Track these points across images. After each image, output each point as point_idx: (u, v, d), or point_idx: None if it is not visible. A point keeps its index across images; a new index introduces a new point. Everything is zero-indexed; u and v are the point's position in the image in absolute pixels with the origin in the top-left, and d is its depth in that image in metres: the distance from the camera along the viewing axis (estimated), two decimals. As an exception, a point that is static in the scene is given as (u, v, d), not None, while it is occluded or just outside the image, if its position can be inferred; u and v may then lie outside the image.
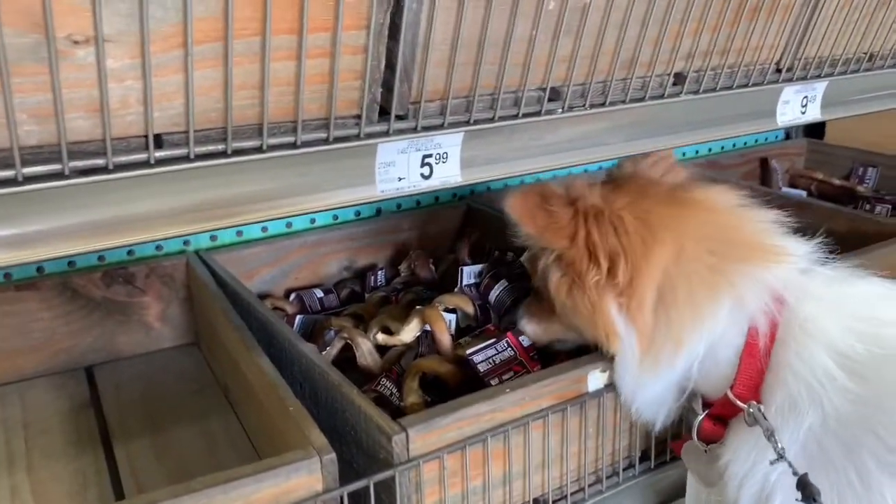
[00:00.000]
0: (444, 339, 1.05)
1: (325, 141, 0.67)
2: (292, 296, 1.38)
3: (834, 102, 1.08)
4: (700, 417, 0.92)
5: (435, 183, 0.76)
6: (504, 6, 0.71)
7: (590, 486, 0.99)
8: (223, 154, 0.62)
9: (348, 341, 1.13)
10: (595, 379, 0.96)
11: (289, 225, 1.48)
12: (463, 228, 1.41)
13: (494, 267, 1.27)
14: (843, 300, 0.87)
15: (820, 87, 1.05)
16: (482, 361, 0.99)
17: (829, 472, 0.80)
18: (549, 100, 0.81)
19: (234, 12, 0.58)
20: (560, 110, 0.81)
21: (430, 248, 1.54)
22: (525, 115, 0.79)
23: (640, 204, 0.91)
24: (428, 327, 1.12)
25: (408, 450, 0.82)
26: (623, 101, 0.85)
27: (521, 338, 1.04)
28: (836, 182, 2.06)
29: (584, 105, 0.82)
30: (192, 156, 0.61)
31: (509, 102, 0.78)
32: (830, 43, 1.02)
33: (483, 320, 1.22)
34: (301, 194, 0.67)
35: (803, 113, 1.05)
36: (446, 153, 0.76)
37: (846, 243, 1.42)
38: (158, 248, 1.38)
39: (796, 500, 0.78)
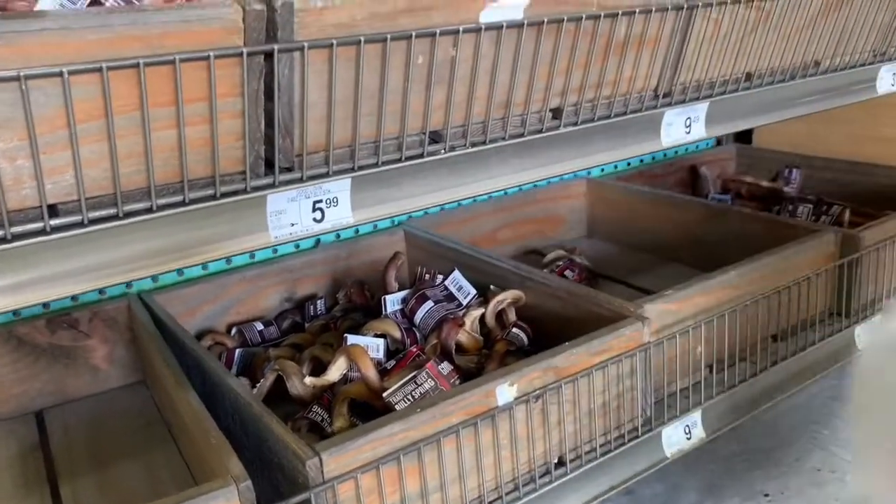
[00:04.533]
0: (370, 375, 1.11)
1: (213, 197, 0.74)
2: (233, 330, 1.44)
3: (718, 120, 1.16)
4: None
5: (327, 226, 0.83)
6: (374, 64, 0.78)
7: (507, 493, 1.06)
8: (115, 217, 0.69)
9: (280, 373, 1.19)
10: (503, 393, 1.03)
11: (228, 261, 1.54)
12: (395, 254, 1.48)
13: (420, 290, 1.34)
14: None
15: (702, 107, 1.13)
16: (400, 401, 1.05)
17: None
18: (432, 142, 0.88)
19: (113, 91, 0.64)
20: (442, 151, 0.88)
21: (370, 274, 1.61)
22: (408, 158, 0.86)
23: None
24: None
25: (322, 472, 0.88)
26: (503, 138, 0.92)
27: (440, 367, 1.10)
28: (764, 184, 2.15)
29: (465, 144, 0.90)
30: (85, 221, 0.67)
31: (392, 148, 0.85)
32: (705, 68, 1.10)
33: (411, 341, 1.29)
34: (196, 246, 0.74)
35: (688, 132, 1.13)
36: (336, 198, 0.83)
37: (763, 244, 1.51)
38: (101, 292, 1.43)
39: None
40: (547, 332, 1.31)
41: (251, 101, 0.72)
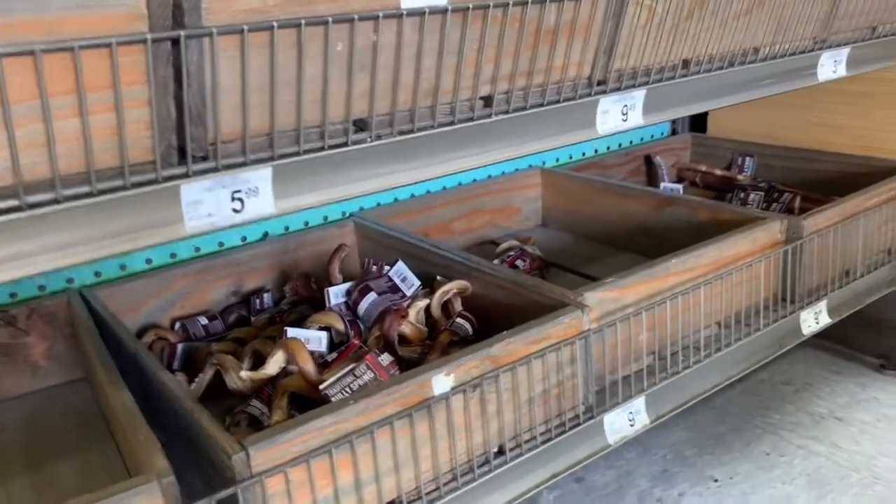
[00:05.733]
0: (308, 368, 1.10)
1: (123, 187, 0.72)
2: (177, 325, 1.42)
3: (655, 108, 1.16)
4: None
5: (248, 216, 0.81)
6: (291, 51, 0.77)
7: (445, 484, 1.05)
8: (18, 209, 0.67)
9: (219, 368, 1.17)
10: (440, 383, 1.02)
11: (173, 255, 1.52)
12: (339, 246, 1.47)
13: (363, 281, 1.32)
14: None
15: (638, 95, 1.13)
16: (337, 393, 1.04)
17: None
18: (358, 130, 0.87)
19: (10, 79, 0.63)
20: (368, 139, 0.87)
21: (319, 266, 1.59)
22: (332, 147, 0.84)
23: None
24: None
25: (250, 467, 0.87)
26: (432, 127, 0.91)
27: (380, 358, 1.09)
28: (718, 172, 2.17)
29: (391, 133, 0.88)
30: (-16, 213, 0.65)
31: (316, 136, 0.84)
32: (640, 55, 1.10)
33: (355, 333, 1.28)
34: (105, 238, 0.72)
35: (625, 120, 1.13)
36: (256, 187, 0.81)
37: (712, 232, 1.52)
38: (41, 287, 1.41)
39: None
40: (492, 321, 1.31)
41: (159, 89, 0.71)
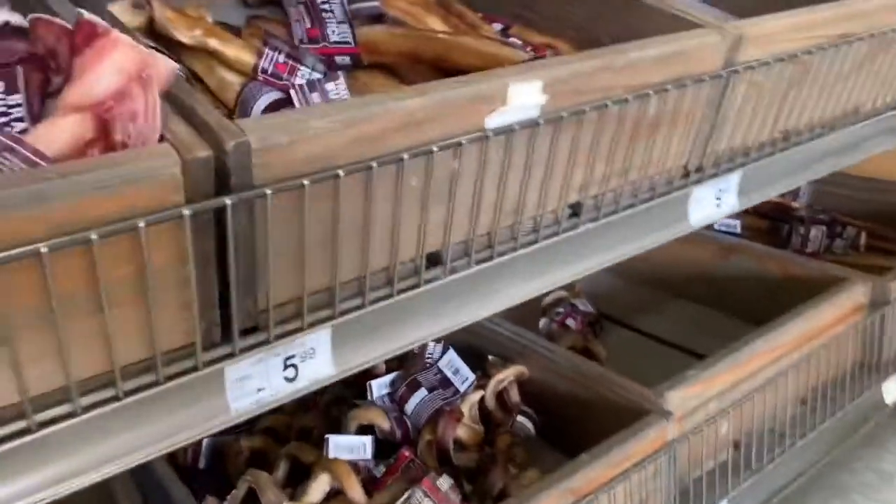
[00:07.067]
0: (357, 498, 0.97)
1: (156, 383, 0.58)
2: (201, 412, 1.28)
3: (751, 189, 1.01)
4: None
5: (302, 384, 0.67)
6: (357, 191, 0.62)
7: None
8: (27, 431, 0.53)
9: (253, 486, 1.04)
10: (515, 527, 0.89)
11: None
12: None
13: (411, 374, 1.18)
14: None
15: (734, 178, 0.98)
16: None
17: None
18: (429, 264, 0.72)
19: (14, 280, 0.48)
20: (442, 276, 0.72)
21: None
22: (401, 291, 0.70)
23: None
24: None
25: None
26: (513, 249, 0.77)
27: (438, 482, 0.96)
28: (772, 199, 2.01)
29: (468, 264, 0.74)
30: (-16, 445, 0.51)
31: (381, 280, 0.69)
32: (740, 135, 0.95)
33: (402, 432, 1.14)
34: (134, 451, 0.58)
35: (718, 206, 0.98)
36: (313, 349, 0.67)
37: (773, 285, 1.38)
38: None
39: None
40: (554, 414, 1.18)
41: (201, 265, 0.56)
